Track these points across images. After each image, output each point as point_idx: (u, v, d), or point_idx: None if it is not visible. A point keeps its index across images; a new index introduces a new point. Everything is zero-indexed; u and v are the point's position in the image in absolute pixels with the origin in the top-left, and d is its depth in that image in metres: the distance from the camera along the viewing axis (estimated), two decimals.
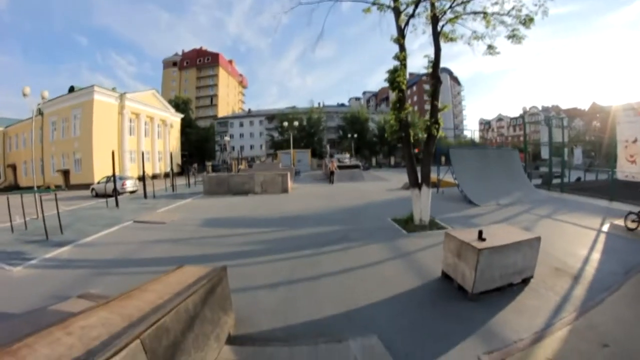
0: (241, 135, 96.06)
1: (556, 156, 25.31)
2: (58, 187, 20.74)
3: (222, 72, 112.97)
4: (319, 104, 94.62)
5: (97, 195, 29.43)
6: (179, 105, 75.76)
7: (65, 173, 46.78)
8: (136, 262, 10.22)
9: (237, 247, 11.49)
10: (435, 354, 5.11)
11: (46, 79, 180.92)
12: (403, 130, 13.46)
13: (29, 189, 19.43)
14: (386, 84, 14.01)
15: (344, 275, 8.63)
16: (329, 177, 35.32)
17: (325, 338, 5.49)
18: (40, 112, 43.47)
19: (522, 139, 37.92)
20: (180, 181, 38.62)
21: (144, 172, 28.99)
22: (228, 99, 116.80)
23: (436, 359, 5.01)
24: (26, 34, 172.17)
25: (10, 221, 14.69)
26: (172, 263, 7.91)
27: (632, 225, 11.45)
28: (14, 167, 57.14)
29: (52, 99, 43.16)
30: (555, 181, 23.44)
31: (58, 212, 14.36)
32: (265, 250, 11.05)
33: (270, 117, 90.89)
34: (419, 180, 13.34)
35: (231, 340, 5.34)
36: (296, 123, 59.77)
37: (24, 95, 19.32)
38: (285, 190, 27.48)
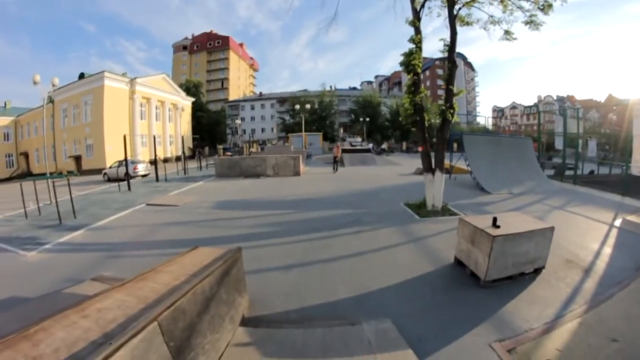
0: (252, 119, 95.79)
1: (570, 147, 24.92)
2: (70, 173, 20.87)
3: (232, 56, 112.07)
4: (330, 87, 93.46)
5: (109, 180, 29.45)
6: (190, 89, 75.36)
7: (77, 159, 47.03)
8: (149, 245, 10.30)
9: (249, 229, 11.55)
10: (448, 340, 5.11)
11: (55, 68, 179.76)
12: (417, 114, 13.33)
13: (42, 175, 19.53)
14: (399, 68, 13.90)
15: (357, 258, 8.67)
16: (333, 164, 30.17)
17: (339, 321, 5.51)
18: (50, 100, 43.54)
19: (535, 128, 37.46)
20: (192, 164, 38.71)
21: (155, 155, 29.05)
22: (239, 83, 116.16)
23: (449, 345, 5.01)
24: (33, 24, 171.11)
25: (24, 207, 14.83)
26: (185, 245, 7.94)
27: None
28: (26, 155, 57.64)
29: (63, 86, 43.20)
30: (568, 173, 23.04)
31: (71, 197, 14.49)
32: (278, 232, 11.10)
33: (282, 100, 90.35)
34: (433, 166, 13.28)
35: (245, 322, 5.37)
36: (308, 106, 59.43)
37: (35, 83, 19.37)
38: (297, 173, 27.54)
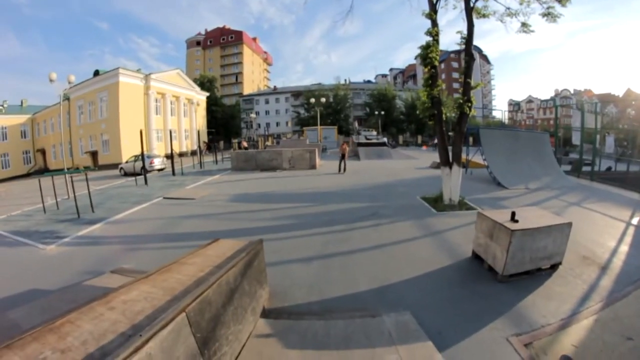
0: (267, 112, 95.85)
1: (587, 143, 24.57)
2: (87, 168, 21.09)
3: (246, 50, 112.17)
4: (345, 80, 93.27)
5: (126, 174, 29.80)
6: (204, 83, 75.51)
7: (94, 154, 47.51)
8: (167, 237, 10.39)
9: (268, 222, 11.62)
10: (466, 333, 5.14)
11: (70, 66, 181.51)
12: (435, 107, 13.26)
13: (59, 171, 19.76)
14: (413, 61, 13.97)
15: (376, 251, 8.70)
16: (339, 164, 25.16)
17: (360, 312, 5.55)
18: (66, 97, 43.91)
19: (552, 122, 36.97)
20: (208, 158, 38.87)
21: (172, 149, 29.26)
22: (253, 77, 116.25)
23: (467, 338, 5.04)
24: (47, 24, 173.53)
25: (42, 202, 14.98)
26: (203, 238, 8.05)
27: None
28: (43, 152, 58.38)
29: (78, 84, 43.54)
30: (585, 169, 22.69)
31: (89, 191, 14.65)
32: (297, 225, 11.16)
33: (296, 93, 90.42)
34: (450, 159, 13.25)
35: (266, 314, 5.43)
36: (322, 100, 59.22)
37: (51, 81, 19.54)
38: (313, 166, 27.62)
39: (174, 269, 4.57)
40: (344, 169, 24.59)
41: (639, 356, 4.67)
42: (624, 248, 9.07)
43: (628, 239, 9.90)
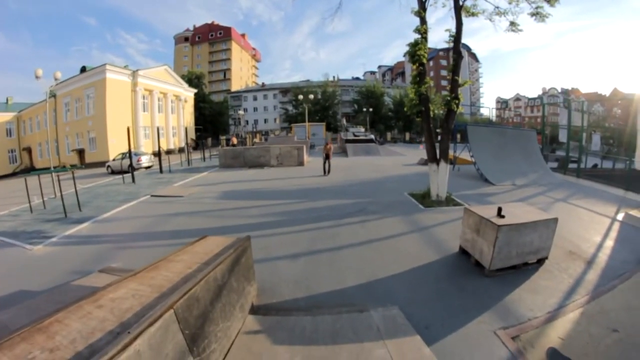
0: (255, 109, 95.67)
1: (574, 140, 24.87)
2: (74, 166, 20.81)
3: (234, 46, 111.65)
4: (333, 77, 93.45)
5: (113, 172, 29.56)
6: (192, 80, 75.13)
7: (80, 152, 47.15)
8: (156, 235, 10.36)
9: (256, 219, 11.61)
10: (454, 327, 5.22)
11: (57, 62, 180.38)
12: (423, 104, 13.34)
13: (46, 169, 19.53)
14: (402, 58, 14.10)
15: (363, 247, 8.77)
16: (323, 165, 22.53)
17: (348, 308, 5.60)
18: (52, 94, 43.42)
19: (539, 120, 37.30)
20: (195, 155, 38.72)
21: (159, 147, 29.05)
22: (241, 73, 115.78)
23: (455, 332, 5.12)
24: (33, 19, 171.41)
25: (29, 201, 14.79)
26: (192, 235, 8.03)
27: None
28: (29, 150, 57.70)
29: (64, 80, 43.09)
30: (572, 166, 23.00)
31: (76, 190, 14.51)
32: (285, 221, 11.18)
33: (284, 90, 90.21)
34: (437, 156, 13.34)
35: (254, 310, 5.45)
36: (311, 96, 59.39)
37: (37, 77, 19.24)
38: (301, 163, 27.61)
39: (162, 267, 4.56)
40: (329, 170, 22.10)
41: (624, 348, 4.77)
42: (609, 243, 9.23)
43: (613, 234, 10.07)
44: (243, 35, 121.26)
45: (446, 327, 5.22)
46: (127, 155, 24.75)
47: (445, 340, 4.93)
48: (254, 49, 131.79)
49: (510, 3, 13.38)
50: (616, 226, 10.85)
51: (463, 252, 7.96)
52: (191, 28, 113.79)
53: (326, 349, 4.54)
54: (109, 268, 7.29)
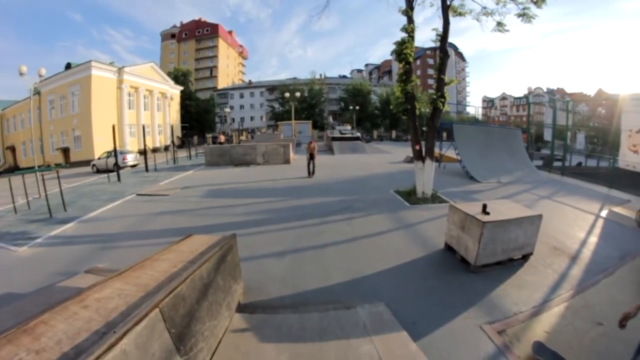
0: (241, 107, 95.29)
1: (559, 139, 25.19)
2: (59, 165, 20.53)
3: (221, 43, 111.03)
4: (320, 75, 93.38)
5: (99, 171, 29.18)
6: (178, 77, 74.31)
7: (65, 151, 46.45)
8: (141, 234, 10.28)
9: (242, 217, 11.60)
10: (440, 322, 5.29)
11: (41, 59, 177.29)
12: (409, 102, 13.44)
13: (30, 169, 19.23)
14: (389, 57, 14.12)
15: (349, 244, 8.82)
16: (307, 166, 20.98)
17: (334, 305, 5.64)
18: (37, 92, 42.72)
19: (525, 119, 37.67)
20: (181, 154, 38.49)
21: (145, 145, 28.79)
22: (228, 71, 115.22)
23: (441, 327, 5.19)
24: (17, 14, 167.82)
25: (13, 202, 14.53)
26: (177, 234, 7.99)
27: None
28: (12, 149, 56.68)
29: (49, 77, 42.17)
30: (556, 164, 23.38)
31: (61, 190, 14.31)
32: (270, 219, 11.20)
33: (271, 88, 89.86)
34: (423, 154, 13.41)
35: (241, 309, 5.45)
36: (297, 94, 59.12)
37: (21, 74, 18.93)
38: (287, 161, 27.58)
39: (147, 266, 4.54)
40: (314, 171, 20.57)
41: (609, 340, 4.87)
42: (593, 239, 9.42)
43: (597, 230, 10.29)
44: (230, 32, 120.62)
45: (432, 323, 5.28)
46: (113, 153, 24.45)
47: (432, 335, 4.99)
48: (241, 46, 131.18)
49: (497, 3, 13.54)
50: (600, 223, 11.08)
51: (449, 248, 8.04)
52: (178, 25, 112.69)
53: (313, 346, 4.57)
54: (95, 268, 7.24)
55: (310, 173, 20.54)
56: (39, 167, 18.96)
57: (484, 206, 7.30)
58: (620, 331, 3.83)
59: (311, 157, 20.68)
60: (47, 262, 8.42)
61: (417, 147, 13.40)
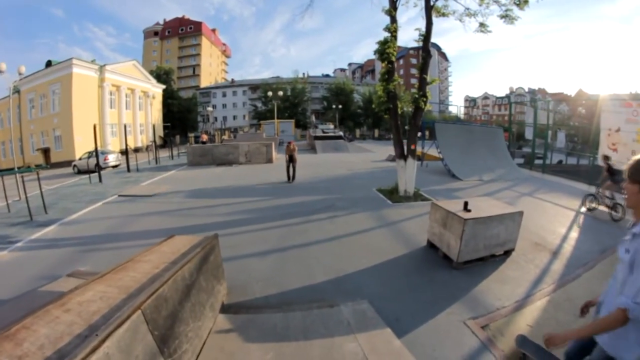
0: (224, 106, 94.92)
1: (540, 138, 25.56)
2: (39, 166, 20.19)
3: (205, 42, 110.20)
4: (303, 74, 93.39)
5: (80, 172, 28.67)
6: (161, 75, 73.59)
7: (46, 151, 45.58)
8: (124, 236, 10.18)
9: (225, 217, 11.57)
10: (424, 319, 5.35)
11: (21, 56, 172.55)
12: (391, 101, 13.54)
13: (9, 170, 18.87)
14: (372, 56, 14.12)
15: (332, 242, 8.88)
16: (287, 170, 18.55)
17: (318, 303, 5.66)
18: (16, 90, 41.87)
19: (506, 118, 38.16)
20: (164, 153, 38.19)
21: (126, 145, 28.48)
22: (211, 69, 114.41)
23: (425, 323, 5.24)
24: None
25: None
26: (160, 235, 7.91)
27: (591, 206, 12.26)
28: None
29: (29, 75, 41.62)
30: (538, 162, 23.81)
31: (41, 192, 14.06)
32: (253, 219, 11.20)
33: (254, 87, 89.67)
34: (405, 152, 13.50)
35: (225, 309, 5.44)
36: (280, 93, 59.13)
37: (0, 72, 18.70)
38: (269, 160, 27.60)
39: (129, 267, 4.50)
40: (294, 176, 18.54)
41: None
42: (574, 234, 9.65)
43: (577, 226, 10.53)
44: (214, 31, 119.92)
45: (416, 319, 5.33)
46: (94, 153, 24.16)
47: (416, 331, 5.04)
48: (224, 44, 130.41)
49: (480, 5, 13.72)
50: (580, 218, 11.36)
51: (431, 245, 8.15)
52: (161, 22, 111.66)
53: (298, 344, 4.58)
54: (77, 272, 7.14)
55: (290, 178, 18.50)
56: (18, 168, 18.67)
57: (466, 203, 7.40)
58: None
59: (291, 160, 18.48)
60: (28, 267, 8.25)
61: (412, 147, 13.50)
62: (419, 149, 15.07)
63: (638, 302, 2.22)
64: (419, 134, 18.06)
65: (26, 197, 13.38)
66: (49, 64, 46.28)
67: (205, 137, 46.68)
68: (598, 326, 2.53)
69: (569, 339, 2.70)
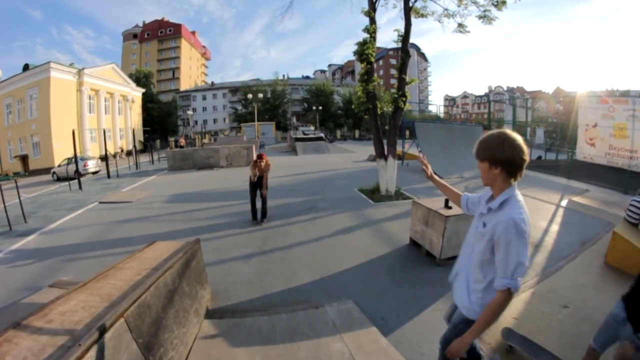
0: (204, 109, 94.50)
1: (519, 135, 25.92)
2: (17, 174, 19.78)
3: (184, 44, 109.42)
4: (283, 76, 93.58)
5: (59, 179, 28.36)
6: (140, 79, 72.74)
7: (24, 158, 44.54)
8: (106, 244, 10.04)
9: (207, 221, 11.53)
10: (409, 316, 5.40)
11: None
12: (370, 102, 13.66)
13: None
14: (352, 57, 14.20)
15: (315, 244, 8.92)
16: (250, 200, 11.28)
17: (303, 305, 5.69)
18: None
19: (486, 116, 38.60)
20: (144, 158, 37.86)
21: (106, 151, 28.16)
22: (190, 72, 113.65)
23: (411, 320, 5.30)
24: None
25: None
26: (142, 241, 7.85)
27: None
28: None
29: (6, 79, 40.87)
30: None
31: (20, 200, 13.78)
32: (235, 222, 11.16)
33: (234, 89, 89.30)
34: (385, 152, 13.57)
35: (210, 314, 5.44)
36: (260, 95, 59.12)
37: None
38: (250, 162, 27.27)
39: (111, 275, 4.46)
40: (264, 213, 11.26)
41: (575, 321, 5.11)
42: (555, 227, 9.83)
43: (558, 219, 10.74)
44: (193, 33, 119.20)
45: (402, 317, 5.38)
46: (73, 160, 23.85)
47: (402, 329, 5.09)
48: (204, 47, 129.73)
49: (459, 5, 13.90)
50: (561, 212, 11.54)
51: (414, 243, 8.25)
52: (141, 24, 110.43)
53: (284, 347, 4.60)
54: (59, 282, 7.03)
55: (259, 215, 11.26)
56: None
57: (447, 201, 7.47)
58: (585, 311, 4.03)
59: (258, 184, 11.07)
60: (8, 279, 8.06)
61: (402, 150, 13.60)
62: (399, 149, 15.18)
63: (515, 277, 2.41)
64: (399, 133, 18.20)
65: (4, 206, 13.12)
66: (26, 67, 45.32)
67: (183, 142, 46.40)
68: (489, 317, 2.60)
69: (468, 343, 2.70)
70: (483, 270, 2.73)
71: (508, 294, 2.47)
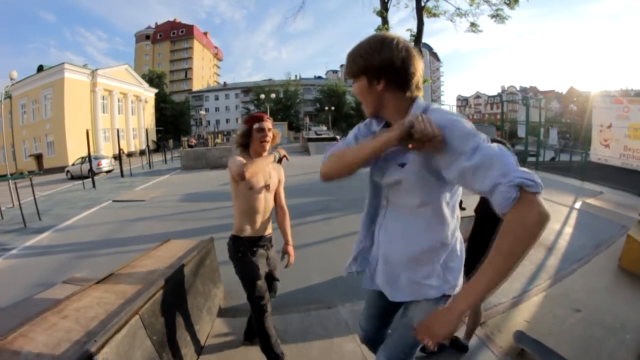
0: (217, 109, 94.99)
1: (532, 135, 25.59)
2: (32, 172, 20.05)
3: (197, 45, 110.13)
4: (295, 76, 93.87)
5: (73, 178, 28.85)
6: (153, 79, 73.59)
7: (38, 157, 45.45)
8: (119, 242, 10.12)
9: (220, 221, 11.43)
10: None
11: (12, 60, 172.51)
12: None
13: (2, 177, 18.74)
14: None
15: (328, 244, 8.89)
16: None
17: (316, 305, 5.70)
18: (8, 95, 41.56)
19: (499, 116, 38.35)
20: (157, 158, 38.08)
21: (119, 150, 28.52)
22: (203, 73, 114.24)
23: None
24: None
25: None
26: (155, 240, 7.89)
27: None
28: None
29: (20, 80, 41.25)
30: (530, 159, 23.71)
31: (35, 198, 14.04)
32: None
33: (246, 90, 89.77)
34: None
35: (222, 313, 5.46)
36: (272, 96, 59.24)
37: None
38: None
39: (125, 273, 4.49)
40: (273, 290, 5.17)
41: (587, 325, 5.01)
42: (568, 230, 9.62)
43: (571, 221, 10.51)
44: (205, 34, 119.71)
45: None
46: (87, 159, 24.13)
47: None
48: (216, 47, 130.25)
49: (471, 5, 13.82)
50: (574, 214, 11.31)
51: None
52: (153, 26, 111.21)
53: (297, 346, 4.61)
54: (73, 278, 7.07)
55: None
56: (11, 174, 18.57)
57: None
58: (598, 315, 3.99)
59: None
60: (23, 274, 8.22)
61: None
62: None
63: (518, 168, 1.58)
64: None
65: (19, 204, 13.32)
66: (40, 68, 46.16)
67: (193, 141, 46.59)
68: (504, 259, 1.61)
69: (463, 312, 1.71)
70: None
71: (534, 198, 1.57)
